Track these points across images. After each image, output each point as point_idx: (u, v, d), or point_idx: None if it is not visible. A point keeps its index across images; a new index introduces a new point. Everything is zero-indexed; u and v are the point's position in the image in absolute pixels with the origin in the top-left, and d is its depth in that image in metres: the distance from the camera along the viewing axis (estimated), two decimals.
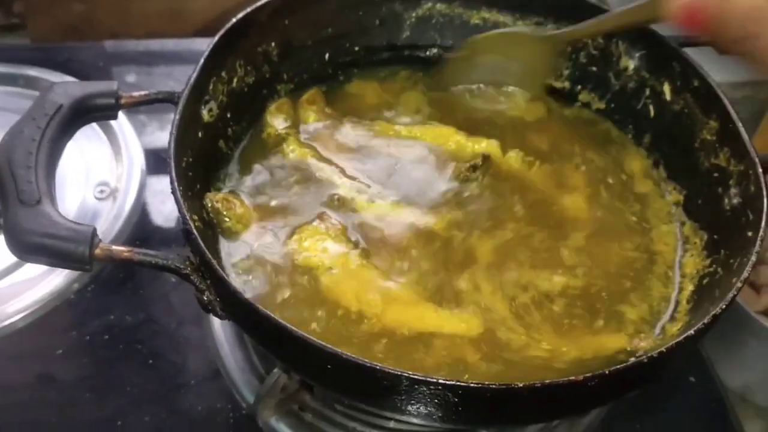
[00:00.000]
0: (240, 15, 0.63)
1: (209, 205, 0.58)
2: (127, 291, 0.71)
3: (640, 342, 0.54)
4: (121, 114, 0.82)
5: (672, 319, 0.57)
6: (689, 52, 0.65)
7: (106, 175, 0.80)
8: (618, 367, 0.44)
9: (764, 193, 0.54)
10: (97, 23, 1.08)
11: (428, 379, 0.43)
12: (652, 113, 0.68)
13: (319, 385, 0.53)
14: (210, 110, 0.61)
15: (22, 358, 0.68)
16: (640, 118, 0.69)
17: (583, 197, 0.64)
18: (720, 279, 0.55)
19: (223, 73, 0.63)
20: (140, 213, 0.78)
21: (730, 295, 0.48)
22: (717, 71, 0.68)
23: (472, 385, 0.43)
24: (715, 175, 0.61)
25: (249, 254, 0.58)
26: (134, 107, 0.58)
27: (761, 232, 0.52)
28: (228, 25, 0.62)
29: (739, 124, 0.59)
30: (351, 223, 0.60)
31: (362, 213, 0.61)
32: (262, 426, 0.61)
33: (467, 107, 0.72)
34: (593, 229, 0.62)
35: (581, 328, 0.55)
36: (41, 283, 0.70)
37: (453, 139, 0.67)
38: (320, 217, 0.60)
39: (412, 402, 0.46)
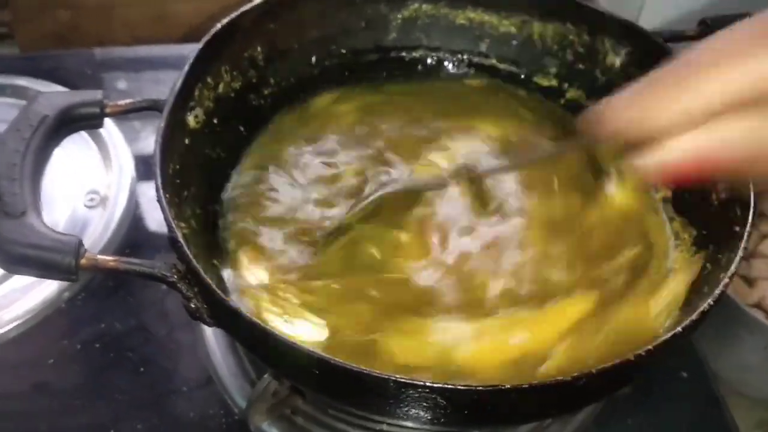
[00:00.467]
0: (224, 21, 0.63)
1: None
2: (118, 299, 0.71)
3: None
4: (109, 121, 0.83)
5: None
6: (675, 47, 0.65)
7: (95, 184, 0.79)
8: (605, 365, 0.44)
9: (751, 187, 0.54)
10: (83, 31, 1.08)
11: (415, 382, 0.43)
12: None
13: (309, 390, 0.53)
14: (196, 117, 0.61)
15: (14, 368, 0.67)
16: None
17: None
18: (708, 275, 0.55)
19: (209, 79, 0.63)
20: (131, 220, 0.77)
21: (718, 291, 0.48)
22: None
23: (459, 387, 0.43)
24: None
25: None
26: (122, 115, 0.58)
27: (748, 227, 0.52)
28: (212, 31, 0.62)
29: None
30: None
31: None
32: (254, 431, 0.61)
33: None
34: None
35: None
36: (31, 292, 0.70)
37: None
38: None
39: (401, 405, 0.46)
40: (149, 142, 0.84)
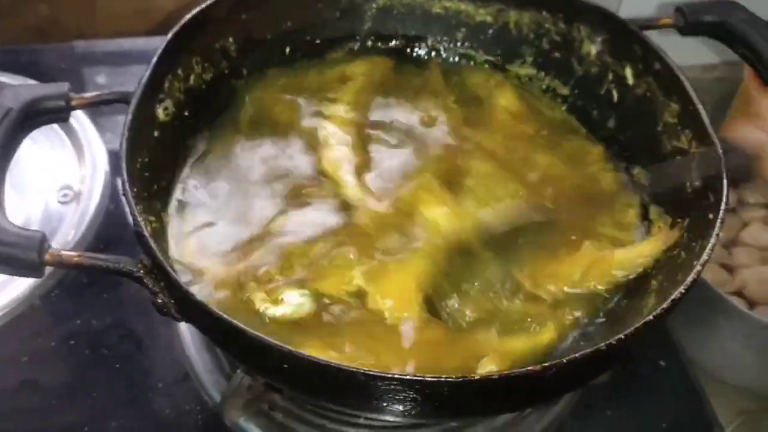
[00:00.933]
0: (194, 11, 0.62)
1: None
2: (92, 295, 0.70)
3: None
4: (82, 115, 0.82)
5: None
6: (651, 35, 0.65)
7: (69, 179, 0.79)
8: (575, 355, 0.44)
9: (724, 174, 0.54)
10: (64, 24, 1.07)
11: (383, 374, 0.43)
12: (615, 97, 0.67)
13: (280, 384, 0.53)
14: (165, 109, 0.60)
15: None
16: (604, 103, 0.68)
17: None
18: (682, 262, 0.55)
19: (179, 71, 0.62)
20: (106, 215, 0.77)
21: (690, 278, 0.48)
22: (687, 53, 0.68)
23: (428, 379, 0.43)
24: (678, 157, 0.60)
25: None
26: (93, 108, 0.57)
27: (721, 214, 0.52)
28: (182, 22, 0.61)
29: (700, 106, 0.58)
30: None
31: None
32: (231, 426, 0.61)
33: None
34: None
35: None
36: (4, 289, 0.69)
37: None
38: None
39: (373, 398, 0.45)
40: None
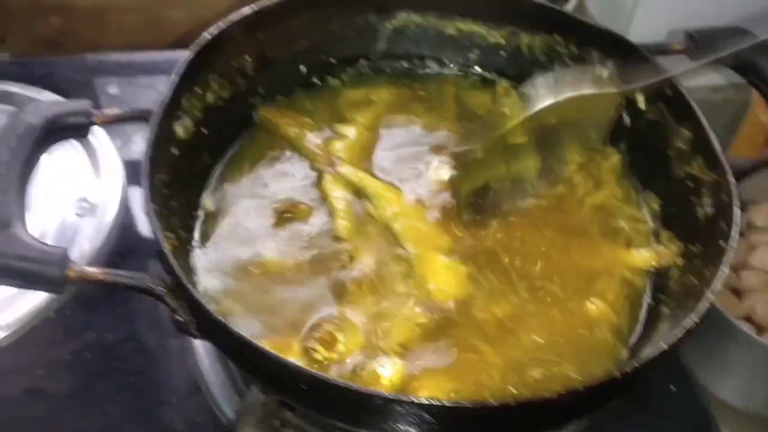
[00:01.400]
0: (213, 30, 0.63)
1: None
2: (108, 308, 0.71)
3: None
4: (98, 128, 0.83)
5: None
6: (662, 60, 0.66)
7: (85, 191, 0.79)
8: (591, 383, 0.44)
9: (736, 202, 0.54)
10: (76, 36, 1.08)
11: (402, 398, 0.43)
12: (627, 122, 0.68)
13: (299, 405, 0.53)
14: (185, 127, 0.61)
15: (3, 377, 0.67)
16: (616, 127, 0.69)
17: None
18: (694, 288, 0.55)
19: (197, 89, 0.63)
20: (122, 228, 0.77)
21: (703, 307, 0.49)
22: (696, 75, 0.69)
23: (446, 404, 0.43)
24: (689, 184, 0.61)
25: None
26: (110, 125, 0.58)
27: (733, 243, 0.52)
28: (201, 41, 0.62)
29: (711, 134, 0.59)
30: None
31: None
32: None
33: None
34: None
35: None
36: (20, 301, 0.69)
37: None
38: None
39: (390, 421, 0.46)
40: (139, 147, 0.84)
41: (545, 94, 0.61)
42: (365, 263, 0.60)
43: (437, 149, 0.69)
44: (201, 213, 0.63)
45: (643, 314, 0.59)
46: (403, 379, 0.54)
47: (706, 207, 0.58)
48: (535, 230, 0.64)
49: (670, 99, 0.63)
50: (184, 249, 0.57)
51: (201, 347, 0.68)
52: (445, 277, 0.60)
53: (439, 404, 0.43)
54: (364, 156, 0.68)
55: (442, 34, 0.74)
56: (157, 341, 0.70)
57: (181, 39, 1.09)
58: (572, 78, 0.62)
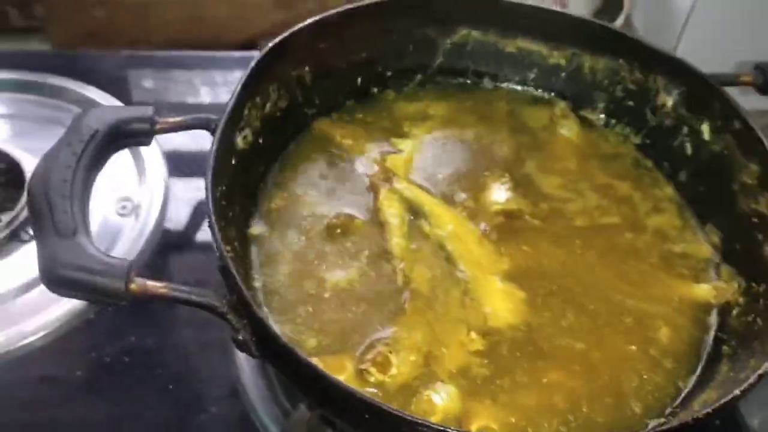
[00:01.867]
0: (276, 39, 0.62)
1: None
2: (148, 313, 0.70)
3: None
4: None
5: None
6: (730, 91, 0.64)
7: (128, 191, 0.79)
8: (664, 428, 0.43)
9: None
10: (118, 29, 1.07)
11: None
12: (689, 151, 0.67)
13: (352, 428, 0.52)
14: (245, 137, 0.60)
15: (41, 379, 0.66)
16: (677, 155, 0.68)
17: None
18: (760, 330, 0.54)
19: (258, 99, 0.62)
20: (163, 227, 0.77)
21: None
22: (742, 98, 0.68)
23: None
24: (755, 220, 0.60)
25: None
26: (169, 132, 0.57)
27: None
28: (265, 50, 0.61)
29: None
30: None
31: None
32: None
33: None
34: None
35: None
36: (60, 301, 0.69)
37: None
38: None
39: None
40: (180, 138, 0.83)
41: None
42: (420, 283, 0.59)
43: (493, 167, 0.68)
44: (255, 223, 0.62)
45: (703, 351, 0.58)
46: (457, 406, 0.53)
47: None
48: (592, 253, 0.63)
49: (739, 132, 0.62)
50: (241, 262, 0.56)
51: (242, 357, 0.67)
52: (501, 302, 0.59)
53: None
54: (419, 171, 0.67)
55: (501, 51, 0.73)
56: (198, 349, 0.69)
57: (221, 37, 1.09)
58: None
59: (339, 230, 0.62)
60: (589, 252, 0.63)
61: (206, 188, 0.51)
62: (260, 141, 0.63)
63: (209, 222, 0.50)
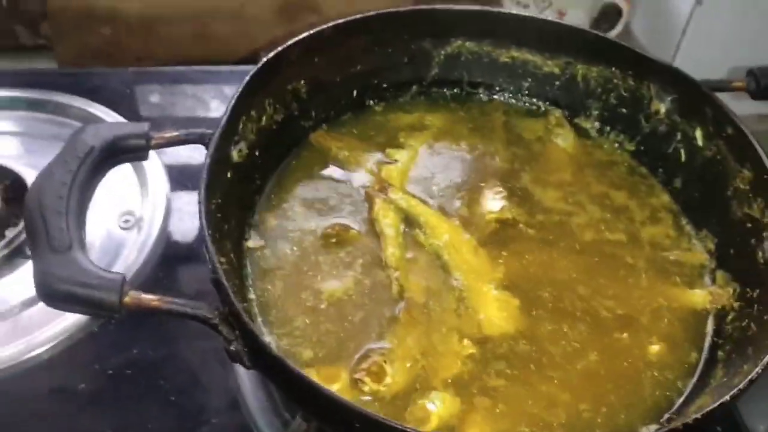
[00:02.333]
0: (271, 54, 0.63)
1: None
2: (151, 325, 0.71)
3: None
4: None
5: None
6: (722, 97, 0.64)
7: (131, 205, 0.80)
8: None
9: None
10: (124, 47, 1.09)
11: None
12: (683, 158, 0.67)
13: None
14: (240, 151, 0.61)
15: (45, 392, 0.67)
16: (671, 162, 0.68)
17: None
18: (753, 336, 0.54)
19: (253, 113, 0.63)
20: (165, 241, 0.78)
21: (766, 358, 0.48)
22: (739, 103, 0.68)
23: None
24: (749, 225, 0.60)
25: None
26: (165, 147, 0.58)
27: None
28: (259, 64, 0.62)
29: None
30: None
31: None
32: None
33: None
34: None
35: None
36: (63, 315, 0.69)
37: None
38: None
39: None
40: (182, 152, 0.85)
41: None
42: (415, 292, 0.60)
43: (488, 178, 0.68)
44: (251, 236, 0.62)
45: (699, 357, 0.58)
46: (452, 414, 0.53)
47: (767, 252, 0.57)
48: (587, 262, 0.63)
49: (731, 138, 0.62)
50: (237, 274, 0.57)
51: (243, 369, 0.68)
52: (496, 310, 0.59)
53: None
54: (414, 181, 0.68)
55: (495, 61, 0.74)
56: (200, 361, 0.70)
57: (226, 50, 1.10)
58: None
59: (334, 241, 0.63)
60: (584, 260, 0.63)
61: (199, 201, 0.52)
62: (256, 154, 0.64)
63: (201, 234, 0.51)
